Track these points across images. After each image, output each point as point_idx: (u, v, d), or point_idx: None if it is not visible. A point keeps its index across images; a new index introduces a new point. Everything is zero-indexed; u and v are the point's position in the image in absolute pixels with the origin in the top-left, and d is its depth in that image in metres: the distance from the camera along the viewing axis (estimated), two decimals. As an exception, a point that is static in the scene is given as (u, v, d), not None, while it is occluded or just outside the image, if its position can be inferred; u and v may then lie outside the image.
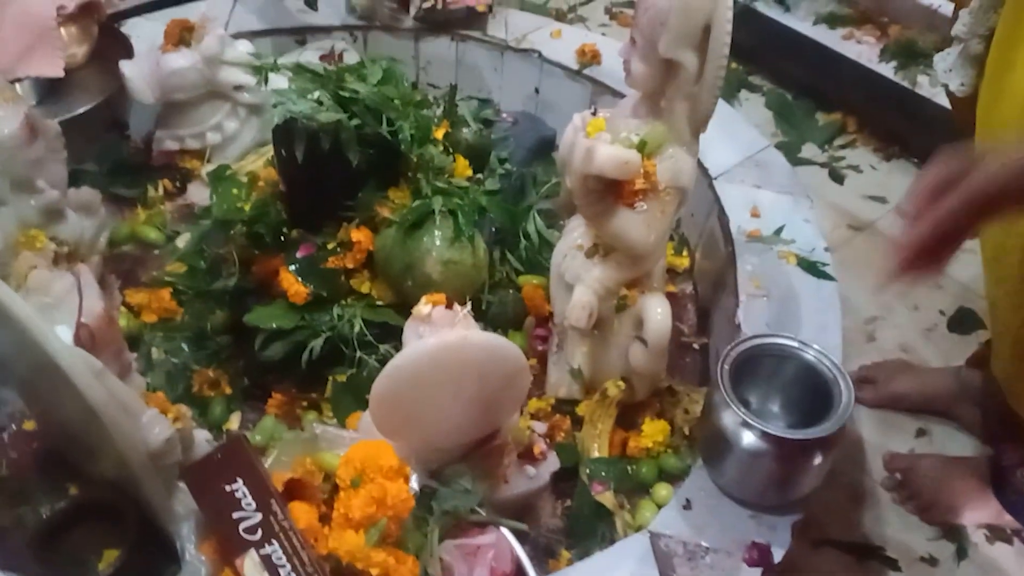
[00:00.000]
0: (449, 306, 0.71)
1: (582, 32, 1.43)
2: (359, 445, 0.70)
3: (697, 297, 1.17)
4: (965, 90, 0.95)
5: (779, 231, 1.06)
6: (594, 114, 0.91)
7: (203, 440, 0.82)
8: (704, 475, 0.83)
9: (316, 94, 0.89)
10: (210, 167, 1.17)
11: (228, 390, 0.99)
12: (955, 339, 1.39)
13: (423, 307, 0.71)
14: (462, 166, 1.09)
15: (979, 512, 1.16)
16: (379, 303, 0.95)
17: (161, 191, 1.24)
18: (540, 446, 0.86)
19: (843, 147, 1.73)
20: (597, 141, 0.84)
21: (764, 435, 0.75)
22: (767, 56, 1.86)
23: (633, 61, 0.87)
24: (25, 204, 0.92)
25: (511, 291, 1.09)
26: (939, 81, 0.99)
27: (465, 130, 1.15)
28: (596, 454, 0.93)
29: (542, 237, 1.12)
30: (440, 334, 0.69)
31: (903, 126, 1.68)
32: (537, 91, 1.37)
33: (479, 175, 1.13)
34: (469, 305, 0.73)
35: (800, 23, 1.78)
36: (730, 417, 0.77)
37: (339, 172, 0.93)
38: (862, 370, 1.32)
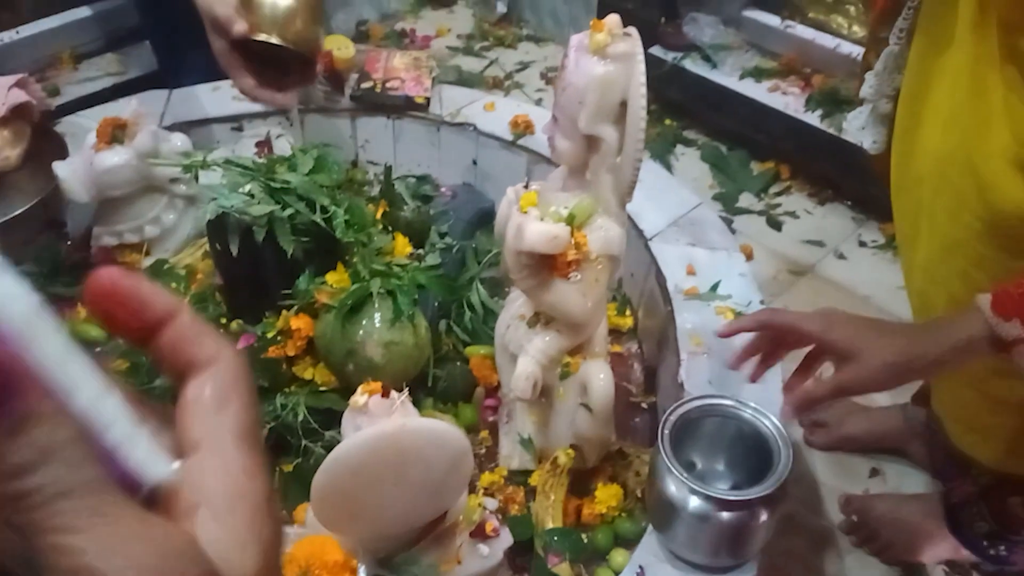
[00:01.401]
0: (386, 393, 0.72)
1: (515, 102, 1.46)
2: (303, 542, 0.70)
3: (643, 356, 1.18)
4: (878, 147, 0.99)
5: (715, 287, 1.08)
6: (526, 187, 0.93)
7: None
8: (656, 540, 0.84)
9: (247, 187, 0.90)
10: (149, 260, 1.16)
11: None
12: (900, 376, 1.42)
13: (359, 397, 0.71)
14: (402, 244, 1.10)
15: (937, 549, 1.18)
16: (322, 388, 0.95)
17: (101, 287, 1.22)
18: (492, 523, 0.85)
19: (779, 194, 1.78)
20: (527, 218, 0.86)
21: (708, 498, 0.76)
22: (699, 111, 1.92)
23: (556, 138, 0.89)
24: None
25: (459, 363, 1.09)
26: (854, 139, 1.03)
27: (404, 208, 1.16)
28: (550, 525, 0.93)
29: (486, 307, 1.14)
30: (378, 424, 0.68)
31: (834, 171, 1.74)
32: (475, 163, 1.40)
33: (420, 251, 1.14)
34: (406, 391, 0.73)
35: (727, 78, 1.85)
36: (674, 482, 0.78)
37: (275, 262, 0.93)
38: (812, 414, 1.35)
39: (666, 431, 0.80)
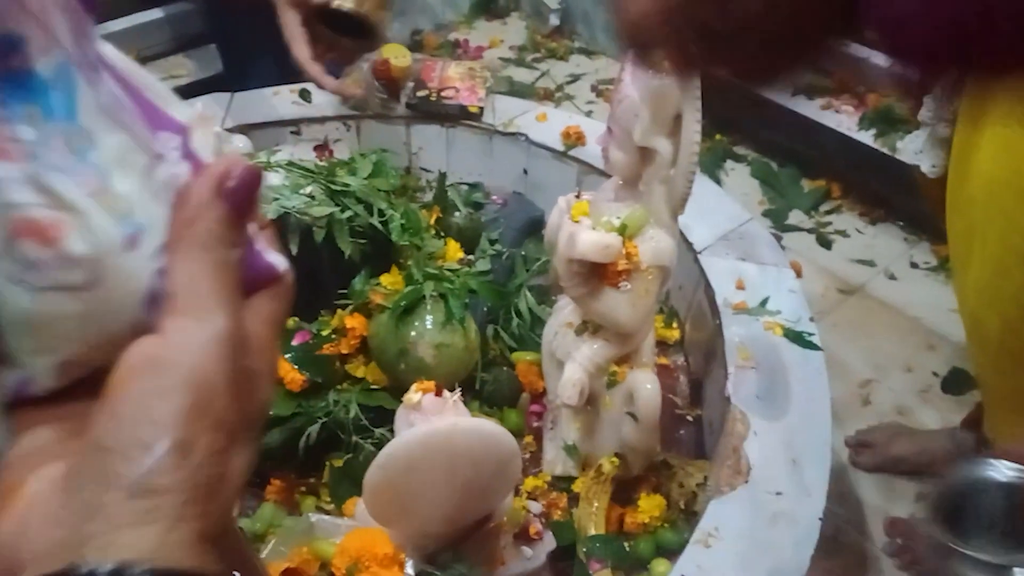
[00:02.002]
0: (439, 393, 0.73)
1: (567, 113, 1.48)
2: (354, 533, 0.71)
3: (689, 369, 1.19)
4: (936, 171, 0.98)
5: (764, 302, 1.08)
6: (578, 197, 0.95)
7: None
8: (699, 550, 0.84)
9: (309, 189, 0.93)
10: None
11: (227, 478, 1.00)
12: (950, 400, 1.40)
13: (413, 395, 0.73)
14: (453, 249, 1.12)
15: None
16: (374, 387, 0.97)
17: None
18: (536, 526, 0.86)
19: (829, 212, 1.77)
20: (579, 227, 0.87)
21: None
22: (750, 127, 1.92)
23: (611, 149, 0.91)
24: None
25: (505, 368, 1.11)
26: (912, 162, 1.03)
27: (456, 214, 1.18)
28: (593, 531, 0.94)
29: (533, 314, 1.15)
30: (430, 422, 0.70)
31: (886, 190, 1.72)
32: (525, 172, 1.41)
33: (470, 257, 1.16)
34: (459, 391, 0.75)
35: (779, 94, 1.84)
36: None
37: (332, 262, 0.96)
38: (859, 434, 1.33)
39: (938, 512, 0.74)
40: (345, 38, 1.20)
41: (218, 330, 0.27)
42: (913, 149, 0.99)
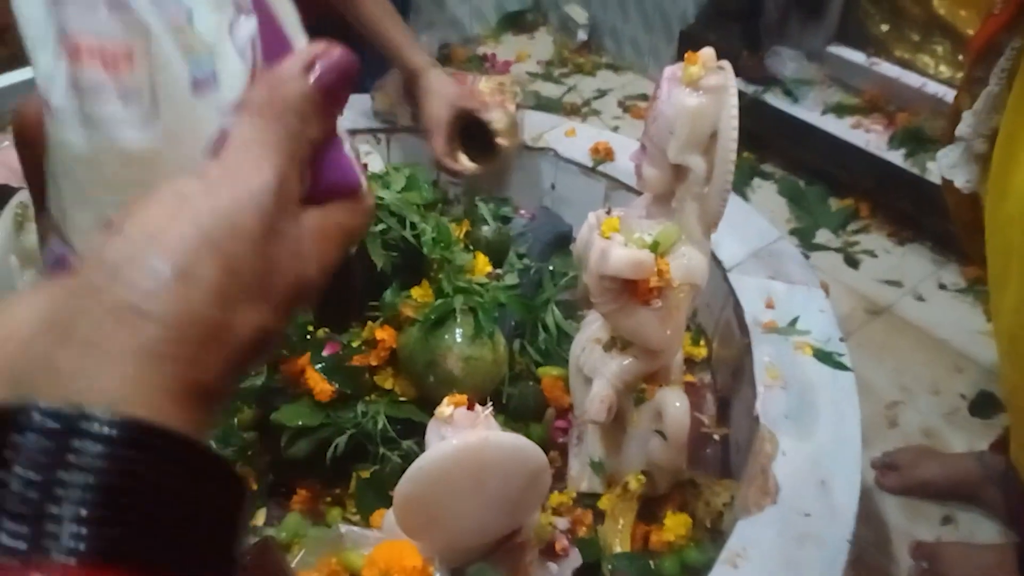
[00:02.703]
0: (471, 406, 0.74)
1: (596, 129, 1.48)
2: (384, 545, 0.72)
3: (716, 387, 1.18)
4: (971, 187, 0.98)
5: (794, 322, 1.08)
6: (608, 213, 0.95)
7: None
8: (726, 570, 0.83)
9: (342, 201, 0.94)
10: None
11: (254, 487, 1.01)
12: (977, 423, 1.39)
13: (445, 408, 0.73)
14: (482, 263, 1.12)
15: (1011, 603, 1.14)
16: (402, 399, 0.98)
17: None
18: (562, 543, 0.86)
19: (857, 232, 1.76)
20: (611, 243, 0.87)
21: None
22: (778, 145, 1.92)
23: (644, 166, 0.91)
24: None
25: (531, 383, 1.11)
26: (942, 176, 1.02)
27: (484, 228, 1.19)
28: (618, 549, 0.93)
29: (560, 329, 1.15)
30: (462, 435, 0.70)
31: (915, 210, 1.71)
32: (553, 187, 1.42)
33: (498, 271, 1.16)
34: (490, 405, 0.75)
35: (808, 113, 1.84)
36: None
37: (364, 274, 0.96)
38: (885, 456, 1.32)
39: None
40: (472, 147, 1.29)
41: (261, 184, 0.25)
42: (947, 163, 0.98)
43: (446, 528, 0.75)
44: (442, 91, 1.27)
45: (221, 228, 0.23)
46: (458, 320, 0.95)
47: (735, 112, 0.86)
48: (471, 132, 1.29)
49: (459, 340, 0.94)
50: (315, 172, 0.27)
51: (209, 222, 0.23)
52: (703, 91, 0.85)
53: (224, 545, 0.23)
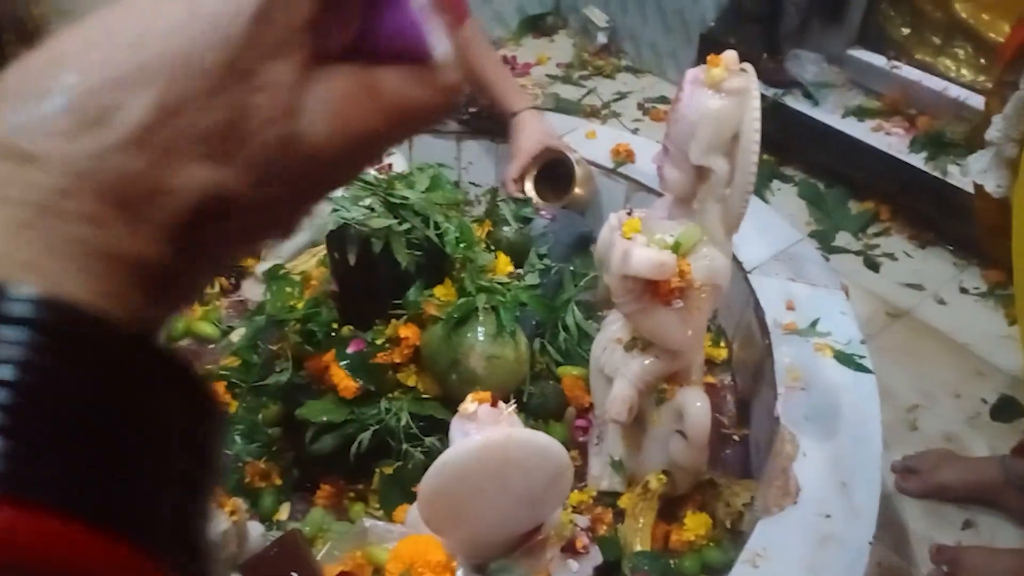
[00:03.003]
0: (494, 404, 0.75)
1: (616, 131, 1.49)
2: (408, 540, 0.73)
3: (736, 388, 1.18)
4: (1002, 192, 0.98)
5: (814, 324, 1.08)
6: (629, 214, 0.96)
7: (257, 533, 0.84)
8: (747, 570, 0.84)
9: (368, 201, 0.95)
10: (264, 265, 1.23)
11: (278, 482, 1.02)
12: (999, 427, 1.38)
13: (469, 405, 0.74)
14: (503, 263, 1.13)
15: (1033, 607, 1.14)
16: (425, 396, 0.99)
17: (217, 288, 1.30)
18: (583, 540, 0.87)
19: (877, 235, 1.76)
20: (634, 243, 0.88)
21: None
22: (798, 147, 1.91)
23: (666, 168, 0.91)
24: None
25: (552, 382, 1.12)
26: (973, 181, 1.02)
27: (506, 229, 1.20)
28: (638, 548, 0.94)
29: (580, 329, 1.16)
30: (485, 432, 0.71)
31: (936, 214, 1.70)
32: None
33: (519, 271, 1.17)
34: (513, 402, 0.76)
35: (829, 116, 1.84)
36: None
37: (389, 272, 0.98)
38: (906, 460, 1.32)
39: None
40: (546, 184, 1.38)
41: (231, 4, 0.19)
42: (978, 168, 0.98)
43: (469, 524, 0.76)
44: (536, 127, 1.38)
45: (164, 53, 0.18)
46: (480, 319, 0.96)
47: (758, 115, 0.86)
48: (551, 172, 1.38)
49: (481, 339, 0.95)
50: (364, 28, 0.22)
51: (152, 43, 0.18)
52: (725, 93, 0.86)
53: (183, 489, 0.18)
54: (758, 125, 0.86)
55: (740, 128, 0.86)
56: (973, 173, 0.99)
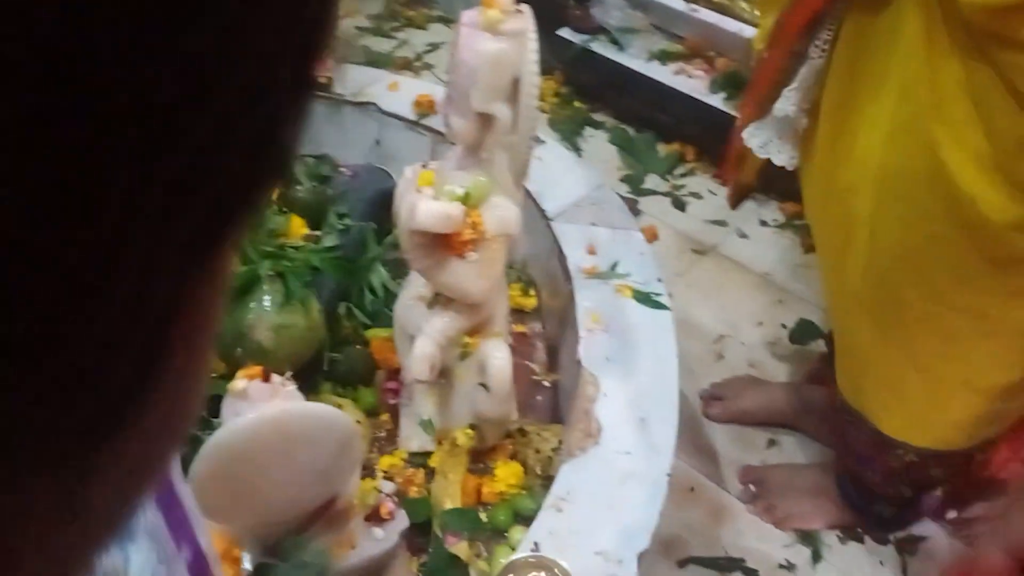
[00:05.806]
0: (267, 378, 0.70)
1: (421, 83, 1.45)
2: (184, 531, 0.67)
3: (546, 335, 1.19)
4: (795, 162, 0.99)
5: (614, 266, 1.09)
6: (424, 166, 0.92)
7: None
8: (552, 515, 0.84)
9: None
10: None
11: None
12: (798, 352, 1.46)
13: (238, 383, 0.69)
14: (297, 225, 1.07)
15: (829, 516, 1.23)
16: (211, 375, 0.92)
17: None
18: (387, 506, 0.84)
19: (683, 176, 1.81)
20: (420, 197, 0.85)
21: None
22: (608, 94, 1.94)
23: (451, 116, 0.88)
24: None
25: (358, 346, 1.08)
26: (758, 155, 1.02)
27: (299, 188, 1.13)
28: (449, 505, 0.93)
29: (388, 289, 1.12)
30: (258, 409, 0.67)
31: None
32: (378, 143, 1.38)
33: (317, 233, 1.12)
34: (290, 374, 0.71)
35: (634, 61, 1.87)
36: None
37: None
38: (712, 388, 1.38)
39: None
40: None
41: None
42: (758, 142, 0.98)
43: (254, 505, 0.72)
44: None
45: None
46: (265, 287, 0.90)
47: (536, 56, 0.84)
48: None
49: (268, 308, 0.90)
50: None
51: None
52: (503, 36, 0.83)
53: None
54: (537, 68, 0.85)
55: (520, 72, 0.84)
56: (756, 148, 0.99)
